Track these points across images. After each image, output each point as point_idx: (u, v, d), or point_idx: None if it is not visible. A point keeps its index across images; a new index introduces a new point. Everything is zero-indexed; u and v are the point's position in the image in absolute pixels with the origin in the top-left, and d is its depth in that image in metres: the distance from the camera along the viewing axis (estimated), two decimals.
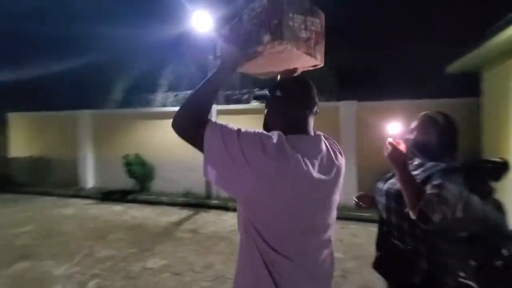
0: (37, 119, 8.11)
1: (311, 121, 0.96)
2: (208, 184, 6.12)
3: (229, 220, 4.89)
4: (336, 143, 1.04)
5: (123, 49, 9.46)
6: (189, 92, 6.98)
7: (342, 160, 0.99)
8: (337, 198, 0.96)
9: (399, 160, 1.17)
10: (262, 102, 1.09)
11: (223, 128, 0.79)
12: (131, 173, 6.39)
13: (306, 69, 1.16)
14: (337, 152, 0.98)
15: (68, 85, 8.75)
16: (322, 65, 1.09)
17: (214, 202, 5.78)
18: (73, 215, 5.31)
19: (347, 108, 5.58)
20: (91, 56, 9.27)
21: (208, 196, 6.08)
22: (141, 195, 6.29)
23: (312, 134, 0.95)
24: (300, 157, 0.80)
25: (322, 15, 1.04)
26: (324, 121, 5.78)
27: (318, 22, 1.01)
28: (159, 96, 7.09)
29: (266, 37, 0.88)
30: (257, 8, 0.92)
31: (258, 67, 1.11)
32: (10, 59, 8.07)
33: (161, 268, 3.04)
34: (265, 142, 0.78)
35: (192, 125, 0.80)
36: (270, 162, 0.76)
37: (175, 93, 6.95)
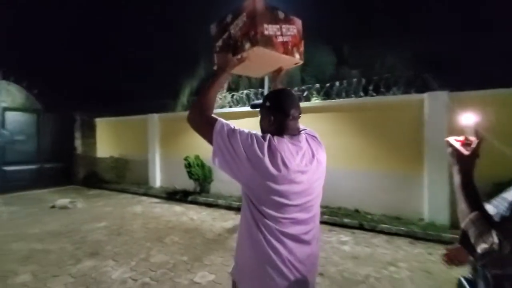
0: (117, 123, 9.13)
1: (294, 124, 1.17)
2: None
3: None
4: (318, 140, 1.26)
5: (190, 53, 9.87)
6: (245, 91, 6.82)
7: (322, 153, 1.21)
8: (319, 183, 1.18)
9: (459, 164, 0.88)
10: (256, 109, 1.26)
11: (228, 127, 1.06)
12: (191, 175, 6.53)
13: (290, 67, 1.43)
14: (318, 148, 1.21)
15: (143, 90, 9.63)
16: (302, 62, 1.35)
17: None
18: (141, 213, 5.66)
19: (434, 101, 4.49)
20: (163, 62, 9.99)
21: None
22: (200, 197, 6.37)
23: (296, 133, 1.17)
24: (284, 153, 1.05)
25: (299, 22, 1.32)
26: (401, 118, 4.82)
27: (294, 28, 1.29)
28: (218, 97, 7.12)
29: (247, 45, 1.15)
30: (240, 23, 1.18)
31: (250, 69, 1.39)
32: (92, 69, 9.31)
33: (209, 285, 2.80)
34: (260, 144, 1.03)
35: (204, 124, 1.08)
36: (265, 160, 1.01)
37: (232, 94, 6.83)
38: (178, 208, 5.99)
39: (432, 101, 4.49)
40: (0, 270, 3.10)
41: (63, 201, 6.35)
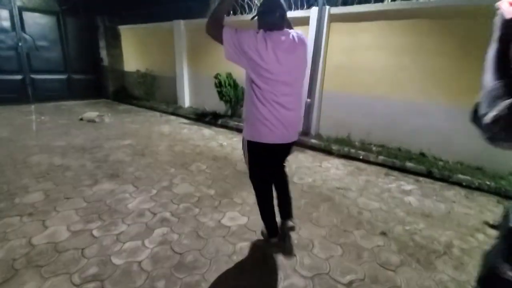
0: (141, 31, 8.09)
1: (280, 22, 1.59)
2: (307, 117, 4.87)
3: (331, 170, 3.70)
4: (303, 39, 1.67)
5: None
6: None
7: (304, 48, 1.67)
8: (300, 68, 1.70)
9: (499, 29, 0.70)
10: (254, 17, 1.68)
11: (232, 29, 1.55)
12: (221, 95, 5.72)
13: None
14: (301, 44, 1.65)
15: None
16: None
17: (313, 141, 4.58)
18: (168, 134, 5.20)
19: None
20: None
21: (306, 132, 4.91)
22: (231, 121, 5.68)
23: (282, 29, 1.61)
24: (273, 42, 1.53)
25: None
26: None
27: None
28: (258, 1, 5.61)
29: None
30: None
31: None
32: None
33: (239, 231, 2.26)
34: (255, 36, 1.53)
35: (217, 30, 1.55)
36: (259, 45, 1.52)
37: None
38: (207, 131, 5.43)
39: None
40: (13, 186, 2.83)
41: (91, 114, 6.07)
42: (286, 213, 2.11)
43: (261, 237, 2.16)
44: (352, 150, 4.14)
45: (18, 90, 7.11)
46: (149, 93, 8.09)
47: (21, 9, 6.86)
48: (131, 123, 5.95)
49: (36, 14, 7.16)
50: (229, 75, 5.66)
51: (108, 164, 3.55)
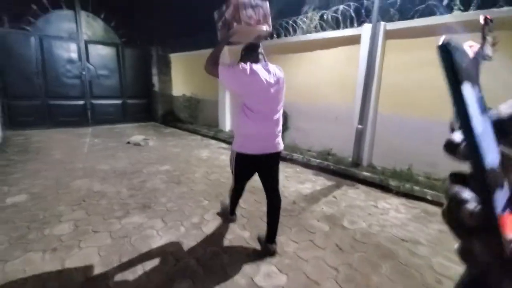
0: (188, 58, 8.45)
1: (261, 57, 2.08)
2: (358, 144, 4.28)
3: (390, 212, 3.04)
4: (279, 68, 2.13)
5: None
6: (341, 7, 4.89)
7: (281, 75, 2.09)
8: (281, 94, 2.09)
9: None
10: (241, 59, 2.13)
11: (225, 67, 1.90)
12: None
13: (263, 34, 2.12)
14: (279, 72, 2.09)
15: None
16: (270, 30, 2.07)
17: (366, 174, 3.94)
18: (207, 159, 5.05)
19: None
20: None
21: (357, 163, 4.29)
22: None
23: (264, 62, 2.08)
24: (259, 72, 1.95)
25: (266, 4, 2.00)
26: None
27: (262, 9, 1.98)
28: (301, 20, 5.36)
29: (235, 24, 1.88)
30: (230, 11, 1.91)
31: (240, 38, 2.11)
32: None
33: None
34: (245, 68, 1.92)
35: (213, 69, 1.90)
36: (249, 77, 1.92)
37: (321, 12, 4.96)
38: None
39: None
40: (49, 213, 2.80)
41: (137, 137, 6.30)
42: (270, 238, 2.26)
43: None
44: (416, 187, 3.42)
45: (79, 114, 7.84)
46: (193, 116, 8.26)
47: (87, 42, 7.70)
48: (173, 146, 5.99)
49: (99, 46, 7.97)
50: None
51: (143, 192, 3.43)
